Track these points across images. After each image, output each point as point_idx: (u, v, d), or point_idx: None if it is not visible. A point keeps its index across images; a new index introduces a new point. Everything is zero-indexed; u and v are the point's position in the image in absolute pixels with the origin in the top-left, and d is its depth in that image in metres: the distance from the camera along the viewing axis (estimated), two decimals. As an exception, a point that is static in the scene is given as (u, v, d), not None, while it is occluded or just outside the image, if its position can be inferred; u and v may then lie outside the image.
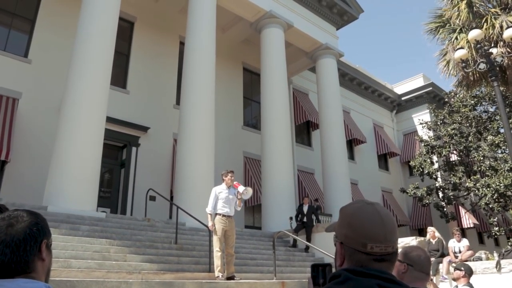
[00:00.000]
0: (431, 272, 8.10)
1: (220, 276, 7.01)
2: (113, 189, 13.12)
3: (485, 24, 11.98)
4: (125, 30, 14.72)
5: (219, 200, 7.44)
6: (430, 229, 10.22)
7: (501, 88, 13.48)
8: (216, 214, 7.41)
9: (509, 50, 11.65)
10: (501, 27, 11.59)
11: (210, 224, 7.37)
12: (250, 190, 7.44)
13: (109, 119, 11.72)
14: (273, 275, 8.10)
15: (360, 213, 1.15)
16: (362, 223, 1.13)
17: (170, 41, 15.93)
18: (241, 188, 7.42)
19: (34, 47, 12.51)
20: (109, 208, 12.45)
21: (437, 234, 10.10)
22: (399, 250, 2.31)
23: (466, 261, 8.82)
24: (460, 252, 9.58)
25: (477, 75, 12.66)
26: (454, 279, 5.53)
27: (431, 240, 10.01)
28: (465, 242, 9.76)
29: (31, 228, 1.28)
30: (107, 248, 7.40)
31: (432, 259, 9.61)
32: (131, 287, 5.49)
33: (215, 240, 7.24)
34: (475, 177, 17.24)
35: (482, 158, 17.33)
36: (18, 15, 12.60)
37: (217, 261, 7.13)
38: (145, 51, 15.05)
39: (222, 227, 7.27)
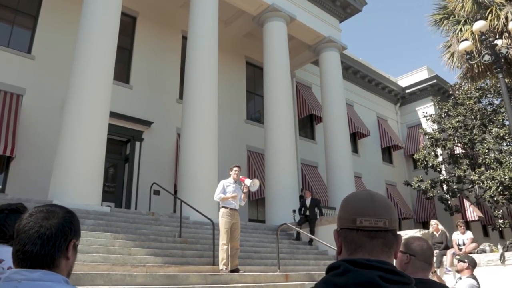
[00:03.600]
0: (435, 265, 8.11)
1: (224, 269, 7.05)
2: (117, 184, 13.18)
3: (489, 15, 11.88)
4: (128, 25, 14.71)
5: (227, 193, 7.49)
6: (433, 222, 10.22)
7: (506, 80, 13.39)
8: (222, 207, 7.45)
9: (514, 42, 11.56)
10: (506, 18, 11.49)
11: (221, 196, 7.45)
12: (257, 182, 7.49)
13: (113, 114, 11.75)
14: (276, 268, 8.14)
15: (352, 195, 1.17)
16: (353, 202, 1.14)
17: (172, 35, 15.91)
18: (248, 181, 7.46)
19: (37, 43, 12.53)
20: (113, 203, 12.52)
21: (440, 226, 10.10)
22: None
23: (470, 253, 8.83)
24: (464, 244, 9.58)
25: (482, 67, 12.57)
26: (458, 271, 5.54)
27: (435, 233, 10.01)
28: (469, 234, 9.76)
29: (64, 225, 1.31)
30: (112, 242, 7.45)
31: (436, 251, 9.63)
32: (136, 280, 5.53)
33: (222, 233, 7.28)
34: (479, 169, 17.18)
35: (487, 151, 17.25)
36: (21, 11, 12.61)
37: (222, 254, 7.17)
38: (147, 46, 15.05)
39: (229, 221, 7.31)
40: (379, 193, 1.18)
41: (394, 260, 1.12)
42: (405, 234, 10.33)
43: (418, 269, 2.21)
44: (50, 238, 1.28)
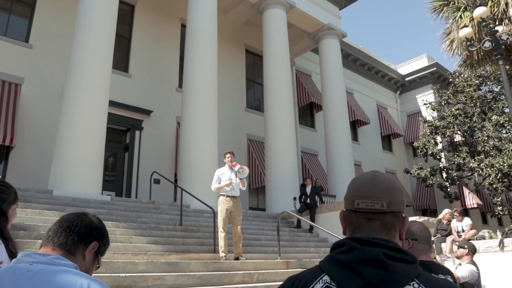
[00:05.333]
0: (435, 251, 8.12)
1: (224, 256, 7.09)
2: (117, 173, 13.19)
3: (489, 1, 11.80)
4: (126, 13, 14.59)
5: (222, 182, 7.52)
6: (448, 211, 10.15)
7: (507, 67, 13.33)
8: (220, 195, 7.50)
9: (514, 28, 11.48)
10: (506, 4, 11.42)
11: (216, 186, 7.56)
12: (246, 169, 7.53)
13: (112, 103, 11.70)
14: (277, 255, 8.19)
15: (356, 178, 1.18)
16: (355, 183, 1.16)
17: (171, 24, 15.80)
18: (237, 167, 7.52)
19: (34, 32, 12.43)
20: (114, 192, 12.54)
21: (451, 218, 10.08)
22: None
23: (470, 240, 8.86)
24: (463, 231, 9.61)
25: (482, 54, 12.52)
26: (458, 257, 5.57)
27: (443, 220, 10.01)
28: (467, 221, 9.79)
29: (95, 226, 1.46)
30: (113, 230, 7.46)
31: (437, 236, 9.71)
32: (137, 267, 5.57)
33: (219, 220, 7.35)
34: (479, 157, 17.18)
35: (486, 138, 17.25)
36: (18, 0, 12.49)
37: (221, 242, 7.23)
38: (146, 35, 14.95)
39: (226, 208, 7.35)
40: (387, 174, 1.18)
41: (401, 242, 1.12)
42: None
43: (421, 252, 2.22)
44: (76, 225, 1.41)
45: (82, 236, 1.40)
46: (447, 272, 2.23)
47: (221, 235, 7.25)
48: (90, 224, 1.44)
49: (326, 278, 1.04)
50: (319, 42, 17.64)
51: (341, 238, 1.16)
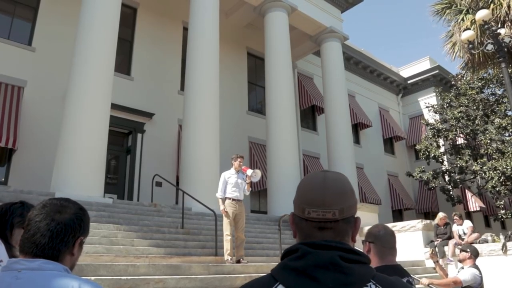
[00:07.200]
0: (438, 255, 8.09)
1: (229, 260, 7.07)
2: (119, 176, 13.20)
3: (491, 4, 11.79)
4: (128, 16, 14.63)
5: (228, 185, 7.50)
6: (442, 215, 10.10)
7: (509, 70, 13.30)
8: (225, 198, 7.46)
9: (517, 31, 11.46)
10: (509, 6, 11.40)
11: (221, 208, 7.43)
12: (258, 172, 7.47)
13: (114, 106, 11.73)
14: (279, 259, 8.14)
15: (306, 179, 1.12)
16: (304, 188, 1.09)
17: (173, 26, 15.84)
18: (249, 172, 7.46)
19: (37, 35, 12.48)
20: (116, 194, 12.55)
21: (448, 221, 10.03)
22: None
23: (472, 243, 8.83)
24: (464, 234, 9.58)
25: (484, 56, 12.50)
26: (460, 261, 5.55)
27: (440, 225, 9.96)
28: (467, 223, 9.75)
29: (75, 221, 1.36)
30: (114, 233, 7.47)
31: (439, 240, 9.67)
32: (139, 270, 5.55)
33: (225, 224, 7.31)
34: (481, 160, 17.14)
35: (489, 141, 17.21)
36: (21, 3, 12.55)
37: (226, 245, 7.20)
38: (148, 37, 14.99)
39: (232, 211, 7.33)
40: (338, 174, 1.11)
41: (352, 243, 1.08)
42: (407, 224, 10.37)
43: (382, 254, 2.20)
44: (59, 233, 1.32)
45: (67, 242, 1.33)
46: (408, 275, 2.23)
47: (227, 238, 7.23)
48: (71, 223, 1.34)
49: (280, 287, 1.00)
50: (321, 44, 17.65)
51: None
